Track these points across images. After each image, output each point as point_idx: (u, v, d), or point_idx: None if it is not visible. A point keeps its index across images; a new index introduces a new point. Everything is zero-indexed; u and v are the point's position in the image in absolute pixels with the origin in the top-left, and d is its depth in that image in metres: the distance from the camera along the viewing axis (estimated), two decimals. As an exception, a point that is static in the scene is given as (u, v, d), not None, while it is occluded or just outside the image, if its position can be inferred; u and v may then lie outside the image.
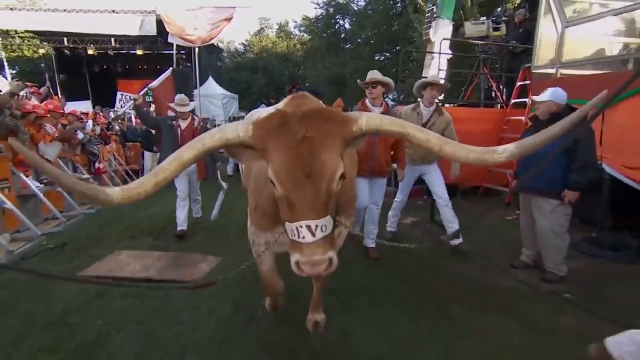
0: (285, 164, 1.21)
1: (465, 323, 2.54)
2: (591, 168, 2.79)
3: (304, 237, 1.20)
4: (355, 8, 23.68)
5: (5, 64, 20.46)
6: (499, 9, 7.11)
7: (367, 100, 3.48)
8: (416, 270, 3.43)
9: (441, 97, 7.45)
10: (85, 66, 20.78)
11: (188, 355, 2.22)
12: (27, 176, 4.56)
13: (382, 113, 3.15)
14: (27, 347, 2.26)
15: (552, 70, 4.54)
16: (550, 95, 2.86)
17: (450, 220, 3.77)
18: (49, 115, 5.40)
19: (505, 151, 1.24)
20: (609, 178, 3.63)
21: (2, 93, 4.27)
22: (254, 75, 29.39)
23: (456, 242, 3.80)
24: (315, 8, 24.53)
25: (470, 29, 6.68)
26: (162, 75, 8.61)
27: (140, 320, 2.60)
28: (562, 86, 2.98)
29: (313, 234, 1.20)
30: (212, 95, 19.57)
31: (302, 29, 29.97)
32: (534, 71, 5.00)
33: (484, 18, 7.30)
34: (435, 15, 8.56)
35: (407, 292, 3.03)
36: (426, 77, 4.78)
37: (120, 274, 3.31)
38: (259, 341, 2.37)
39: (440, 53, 7.23)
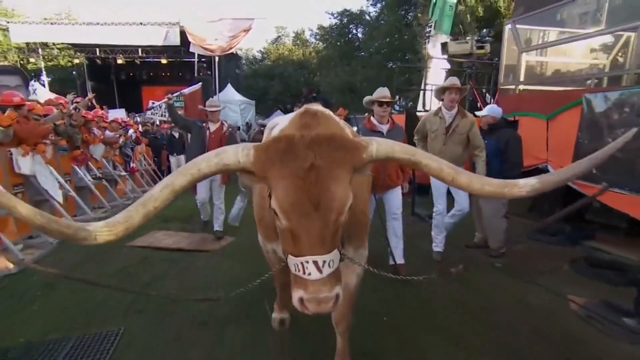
0: (291, 195, 1.11)
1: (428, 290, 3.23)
2: (517, 167, 3.62)
3: (310, 274, 1.12)
4: (368, 18, 24.62)
5: (44, 72, 22.22)
6: (484, 30, 7.86)
7: (373, 118, 3.40)
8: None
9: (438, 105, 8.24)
10: (113, 74, 22.25)
11: (209, 290, 3.16)
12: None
13: (388, 130, 3.30)
14: (100, 294, 3.21)
15: (513, 87, 5.32)
16: (488, 110, 3.73)
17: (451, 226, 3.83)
18: (95, 120, 6.52)
19: (526, 185, 1.19)
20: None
21: (65, 110, 5.30)
22: (271, 82, 30.29)
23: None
24: (330, 18, 25.64)
25: (454, 47, 7.48)
26: (194, 86, 9.52)
27: (175, 275, 3.55)
28: (519, 100, 3.81)
29: (320, 271, 1.12)
30: (231, 101, 20.68)
31: (317, 37, 31.06)
32: (500, 87, 5.77)
33: (469, 37, 8.08)
34: (433, 30, 9.39)
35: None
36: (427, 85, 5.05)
37: (158, 245, 4.30)
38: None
39: (426, 67, 8.05)
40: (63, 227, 1.01)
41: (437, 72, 9.12)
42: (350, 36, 26.03)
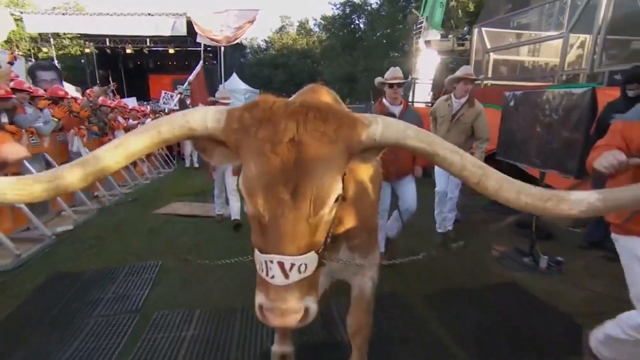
0: (262, 175, 0.86)
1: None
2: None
3: (273, 277, 0.86)
4: (370, 9, 25.10)
5: (56, 61, 23.10)
6: (465, 28, 8.59)
7: (385, 100, 3.25)
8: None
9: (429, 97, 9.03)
10: (121, 62, 22.96)
11: (216, 238, 4.10)
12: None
13: (402, 112, 3.10)
14: (138, 243, 4.17)
15: (479, 82, 6.12)
16: None
17: (446, 213, 3.96)
18: (118, 109, 7.46)
19: (582, 202, 0.86)
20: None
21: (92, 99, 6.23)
22: (275, 71, 30.74)
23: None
24: (332, 8, 26.11)
25: (438, 44, 8.24)
26: (195, 69, 10.04)
27: (193, 234, 4.50)
28: (484, 94, 4.59)
29: (286, 275, 0.86)
30: (236, 90, 21.34)
31: (320, 27, 31.50)
32: (472, 82, 6.59)
33: (451, 35, 8.82)
34: (425, 24, 10.08)
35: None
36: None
37: (177, 212, 5.26)
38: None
39: (415, 60, 8.83)
40: None
41: (426, 65, 9.88)
42: (352, 26, 26.52)
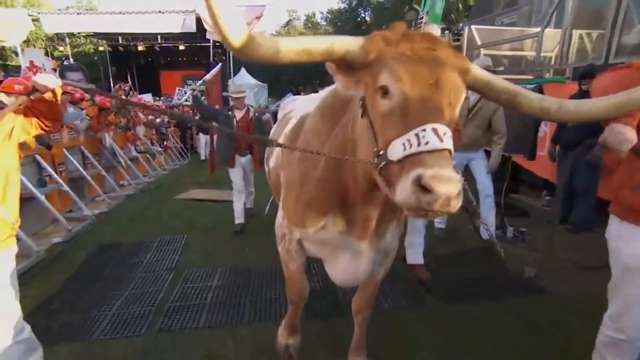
0: (410, 67, 0.98)
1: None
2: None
3: (427, 143, 0.88)
4: (375, 1, 25.29)
5: (71, 59, 23.88)
6: (461, 24, 8.98)
7: None
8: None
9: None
10: (133, 60, 23.54)
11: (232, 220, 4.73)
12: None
13: None
14: (164, 222, 4.84)
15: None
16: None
17: (485, 214, 3.59)
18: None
19: (601, 101, 1.15)
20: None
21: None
22: (282, 66, 31.54)
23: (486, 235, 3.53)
24: (339, 2, 26.38)
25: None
26: (214, 69, 10.08)
27: (211, 216, 5.14)
28: None
29: (441, 139, 0.89)
30: (245, 85, 21.78)
31: (327, 20, 31.77)
32: (463, 76, 7.04)
33: (447, 32, 9.23)
34: (425, 18, 10.47)
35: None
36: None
37: (195, 197, 5.93)
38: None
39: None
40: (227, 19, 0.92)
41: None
42: (358, 19, 26.78)
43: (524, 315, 2.56)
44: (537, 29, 5.30)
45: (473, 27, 6.41)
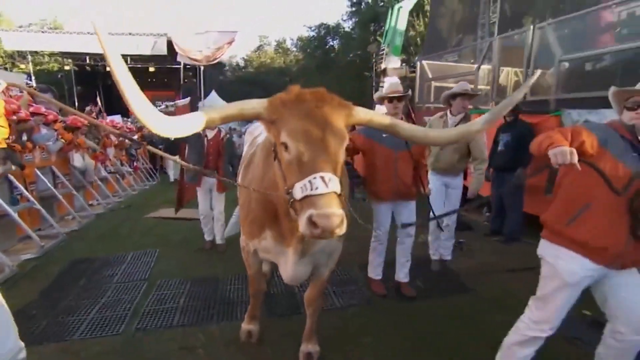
0: (302, 124, 1.31)
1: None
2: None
3: (317, 188, 1.21)
4: (343, 31, 26.78)
5: (33, 77, 23.15)
6: (416, 58, 9.98)
7: None
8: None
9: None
10: (100, 79, 22.94)
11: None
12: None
13: None
14: (135, 239, 5.04)
15: (422, 105, 7.44)
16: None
17: (444, 239, 3.78)
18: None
19: (479, 121, 1.56)
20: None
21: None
22: (253, 88, 32.11)
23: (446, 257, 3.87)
24: (308, 31, 27.68)
25: (392, 71, 9.58)
26: (184, 100, 10.20)
27: (182, 232, 5.38)
28: (429, 114, 5.73)
29: (326, 185, 1.21)
30: (215, 107, 21.97)
31: (297, 47, 33.04)
32: (417, 105, 7.90)
33: (404, 64, 10.24)
34: (386, 49, 11.44)
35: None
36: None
37: (165, 216, 6.15)
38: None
39: (381, 82, 10.14)
40: (151, 114, 1.26)
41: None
42: (327, 47, 28.12)
43: (457, 309, 3.04)
44: (475, 66, 6.19)
45: (424, 62, 7.28)
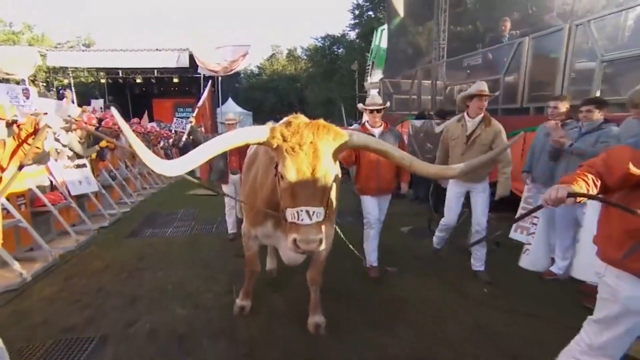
0: (295, 161, 1.58)
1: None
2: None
3: (302, 220, 1.55)
4: (347, 40, 28.92)
5: (73, 88, 25.67)
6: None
7: (367, 124, 3.59)
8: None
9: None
10: (128, 89, 25.76)
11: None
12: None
13: (382, 132, 3.47)
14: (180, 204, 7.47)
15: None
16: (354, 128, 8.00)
17: (476, 248, 3.59)
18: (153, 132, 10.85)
19: (457, 168, 1.78)
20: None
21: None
22: (267, 94, 33.48)
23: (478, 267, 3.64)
24: (314, 41, 29.93)
25: (369, 85, 11.81)
26: (205, 91, 9.93)
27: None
28: (391, 119, 7.99)
29: (310, 218, 1.55)
30: (231, 113, 24.09)
31: (306, 55, 35.05)
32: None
33: (381, 76, 12.50)
34: (370, 66, 13.73)
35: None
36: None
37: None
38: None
39: (367, 94, 12.41)
40: (151, 159, 1.47)
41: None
42: (332, 56, 30.09)
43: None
44: (428, 82, 8.41)
45: (387, 80, 9.63)
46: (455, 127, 3.57)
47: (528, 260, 3.92)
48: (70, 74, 25.18)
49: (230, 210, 5.04)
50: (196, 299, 3.29)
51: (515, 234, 4.71)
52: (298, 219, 1.57)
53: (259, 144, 1.73)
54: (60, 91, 26.57)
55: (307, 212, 1.56)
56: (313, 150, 1.60)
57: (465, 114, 3.51)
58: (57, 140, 5.47)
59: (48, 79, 26.76)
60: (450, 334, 2.75)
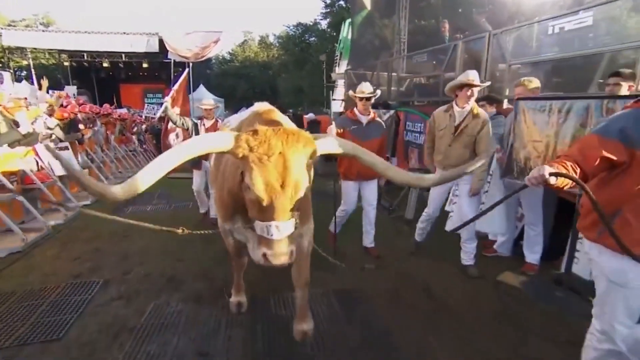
0: (263, 175, 1.46)
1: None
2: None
3: (272, 235, 1.48)
4: (318, 29, 29.37)
5: (33, 70, 24.66)
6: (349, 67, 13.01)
7: (356, 110, 3.60)
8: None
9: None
10: (94, 73, 24.67)
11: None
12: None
13: (369, 121, 3.57)
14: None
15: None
16: (308, 116, 8.77)
17: (464, 240, 3.53)
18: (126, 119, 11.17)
19: (431, 179, 1.91)
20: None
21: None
22: (238, 81, 33.12)
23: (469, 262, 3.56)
24: (287, 29, 30.18)
25: (335, 75, 12.62)
26: (181, 77, 9.66)
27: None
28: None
29: (280, 232, 1.48)
30: (203, 99, 23.94)
31: (279, 42, 35.06)
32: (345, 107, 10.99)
33: (348, 67, 13.36)
34: (338, 57, 14.45)
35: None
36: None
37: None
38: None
39: (334, 84, 13.20)
40: (95, 187, 1.38)
41: (340, 89, 14.26)
42: (304, 45, 30.34)
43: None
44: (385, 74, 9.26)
45: (351, 72, 10.43)
46: (443, 116, 3.47)
47: (450, 224, 4.70)
48: (29, 55, 24.07)
49: (198, 195, 5.23)
50: (180, 254, 4.08)
51: (448, 207, 5.19)
52: (267, 234, 1.51)
53: (222, 152, 1.60)
54: (17, 73, 25.38)
55: (277, 227, 1.49)
56: (282, 161, 1.49)
57: (454, 103, 3.42)
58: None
59: (3, 60, 25.41)
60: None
